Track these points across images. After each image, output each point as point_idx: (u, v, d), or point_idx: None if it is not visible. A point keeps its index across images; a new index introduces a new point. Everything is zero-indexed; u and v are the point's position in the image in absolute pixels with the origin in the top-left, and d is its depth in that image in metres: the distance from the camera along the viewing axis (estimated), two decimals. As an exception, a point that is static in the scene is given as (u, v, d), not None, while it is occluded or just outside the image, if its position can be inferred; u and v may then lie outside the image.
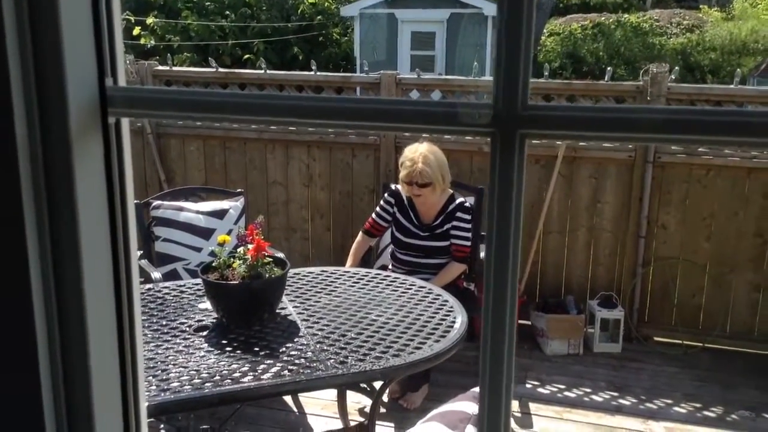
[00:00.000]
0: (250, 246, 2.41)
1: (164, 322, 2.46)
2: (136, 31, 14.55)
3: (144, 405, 0.61)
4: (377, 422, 2.62)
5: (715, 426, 3.26)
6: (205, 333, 2.39)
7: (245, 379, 2.07)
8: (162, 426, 2.85)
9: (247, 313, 2.42)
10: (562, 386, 3.61)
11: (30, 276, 0.51)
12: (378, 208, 3.51)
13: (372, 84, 4.19)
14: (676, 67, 4.10)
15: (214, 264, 2.47)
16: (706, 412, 3.37)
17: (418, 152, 3.23)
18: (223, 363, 2.16)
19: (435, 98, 4.44)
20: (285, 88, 4.43)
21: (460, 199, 3.37)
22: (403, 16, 12.85)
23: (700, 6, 22.34)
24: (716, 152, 3.83)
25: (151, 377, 2.04)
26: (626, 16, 19.54)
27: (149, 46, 14.70)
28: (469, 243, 3.32)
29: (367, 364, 2.17)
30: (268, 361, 2.18)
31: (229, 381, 2.05)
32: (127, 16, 14.15)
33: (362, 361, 2.18)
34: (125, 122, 0.56)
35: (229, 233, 3.34)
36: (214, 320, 2.47)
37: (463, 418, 1.66)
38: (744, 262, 3.89)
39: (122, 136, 0.55)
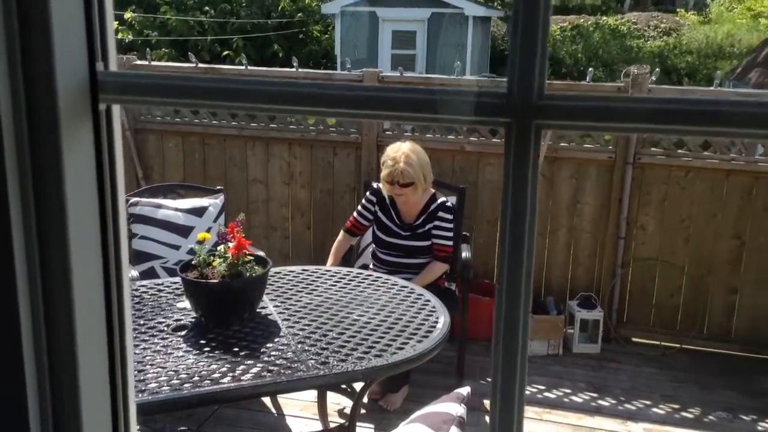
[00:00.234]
0: (230, 244, 2.37)
1: (141, 322, 2.41)
2: (114, 25, 14.37)
3: (133, 405, 0.58)
4: (357, 424, 2.60)
5: (693, 427, 3.28)
6: (183, 333, 2.35)
7: (224, 380, 2.03)
8: (139, 427, 2.80)
9: (227, 313, 2.38)
10: (542, 387, 3.61)
11: (15, 269, 0.48)
12: (359, 207, 3.48)
13: (355, 81, 4.16)
14: (657, 69, 4.12)
15: (193, 262, 2.43)
16: (684, 413, 3.39)
17: (400, 151, 3.21)
18: (202, 363, 2.12)
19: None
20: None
21: (441, 199, 3.36)
22: (385, 14, 12.84)
23: (677, 9, 22.65)
24: (695, 154, 3.86)
25: (127, 378, 2.00)
26: (605, 18, 19.75)
27: (127, 40, 14.52)
28: (451, 243, 3.31)
29: (349, 364, 2.14)
30: (248, 362, 2.15)
31: (208, 382, 2.01)
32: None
33: (344, 361, 2.16)
34: (116, 109, 0.53)
35: (208, 231, 3.29)
36: (193, 320, 2.43)
37: (446, 420, 1.64)
38: (721, 263, 3.93)
39: (113, 124, 0.52)
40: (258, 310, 2.50)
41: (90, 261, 0.51)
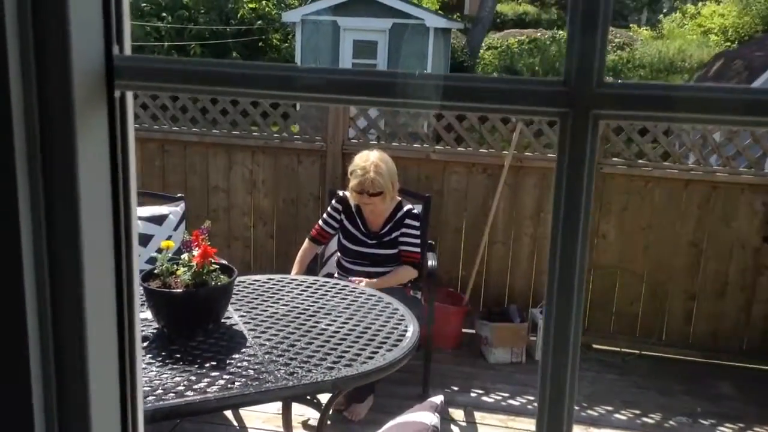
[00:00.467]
0: (195, 252, 2.31)
1: (101, 333, 2.32)
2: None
3: (141, 409, 0.54)
4: (324, 435, 2.55)
5: (654, 432, 3.33)
6: (145, 344, 2.27)
7: (189, 393, 1.97)
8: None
9: (191, 323, 2.32)
10: (507, 394, 3.62)
11: (23, 267, 0.44)
12: (325, 215, 3.44)
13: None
14: (619, 81, 4.20)
15: (156, 271, 2.35)
16: (645, 419, 3.44)
17: (369, 161, 3.19)
18: (165, 376, 2.06)
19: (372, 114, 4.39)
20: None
21: (408, 206, 3.35)
22: (346, 23, 12.84)
23: (630, 25, 23.26)
24: (655, 164, 3.94)
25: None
26: (560, 32, 20.13)
27: (81, 45, 14.18)
28: (418, 249, 3.29)
29: (318, 374, 2.10)
30: (214, 374, 2.09)
31: (173, 395, 1.95)
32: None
33: (313, 371, 2.11)
34: (130, 96, 0.48)
35: (168, 239, 3.21)
36: (155, 330, 2.35)
37: (421, 429, 1.62)
38: (680, 271, 4.01)
39: (127, 112, 0.48)
40: (223, 320, 2.44)
41: (102, 262, 0.47)
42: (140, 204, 3.70)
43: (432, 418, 1.66)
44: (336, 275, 3.40)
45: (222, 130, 4.30)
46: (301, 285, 2.90)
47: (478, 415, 3.39)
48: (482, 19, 17.35)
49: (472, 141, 4.12)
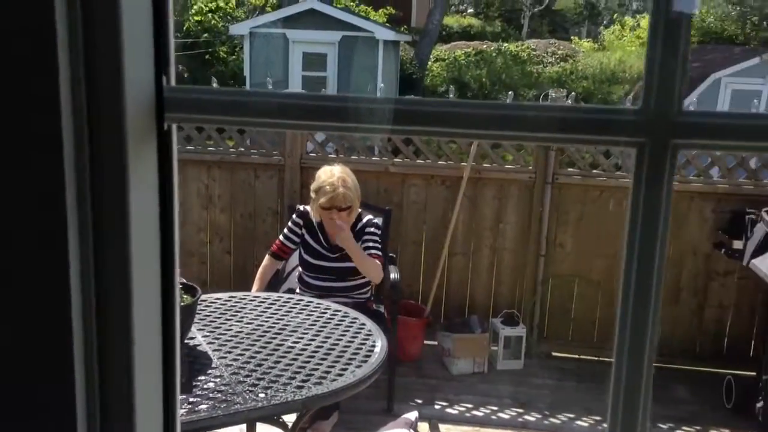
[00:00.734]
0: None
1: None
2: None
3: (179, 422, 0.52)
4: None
5: (616, 437, 3.38)
6: (105, 368, 2.19)
7: (156, 418, 1.90)
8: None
9: (153, 345, 2.24)
10: (470, 405, 3.63)
11: (71, 306, 0.40)
12: (286, 230, 3.40)
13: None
14: (573, 93, 4.30)
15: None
16: (605, 425, 3.48)
17: (335, 176, 3.16)
18: (129, 401, 1.98)
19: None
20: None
21: (368, 217, 3.35)
22: (295, 36, 12.79)
23: (572, 37, 23.89)
24: (609, 174, 4.03)
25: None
26: (506, 45, 20.52)
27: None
28: (381, 253, 3.27)
29: (288, 394, 2.05)
30: (180, 397, 2.02)
31: (138, 421, 1.87)
32: None
33: (283, 391, 2.07)
34: (174, 129, 0.46)
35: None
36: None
37: (399, 448, 1.60)
38: (634, 278, 4.10)
39: (172, 145, 0.45)
40: (186, 341, 2.37)
41: (150, 301, 0.44)
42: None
43: (410, 436, 1.64)
44: (297, 291, 3.35)
45: (177, 146, 4.21)
46: (264, 302, 2.84)
47: (443, 428, 3.39)
48: (429, 32, 17.55)
49: (430, 153, 4.14)
